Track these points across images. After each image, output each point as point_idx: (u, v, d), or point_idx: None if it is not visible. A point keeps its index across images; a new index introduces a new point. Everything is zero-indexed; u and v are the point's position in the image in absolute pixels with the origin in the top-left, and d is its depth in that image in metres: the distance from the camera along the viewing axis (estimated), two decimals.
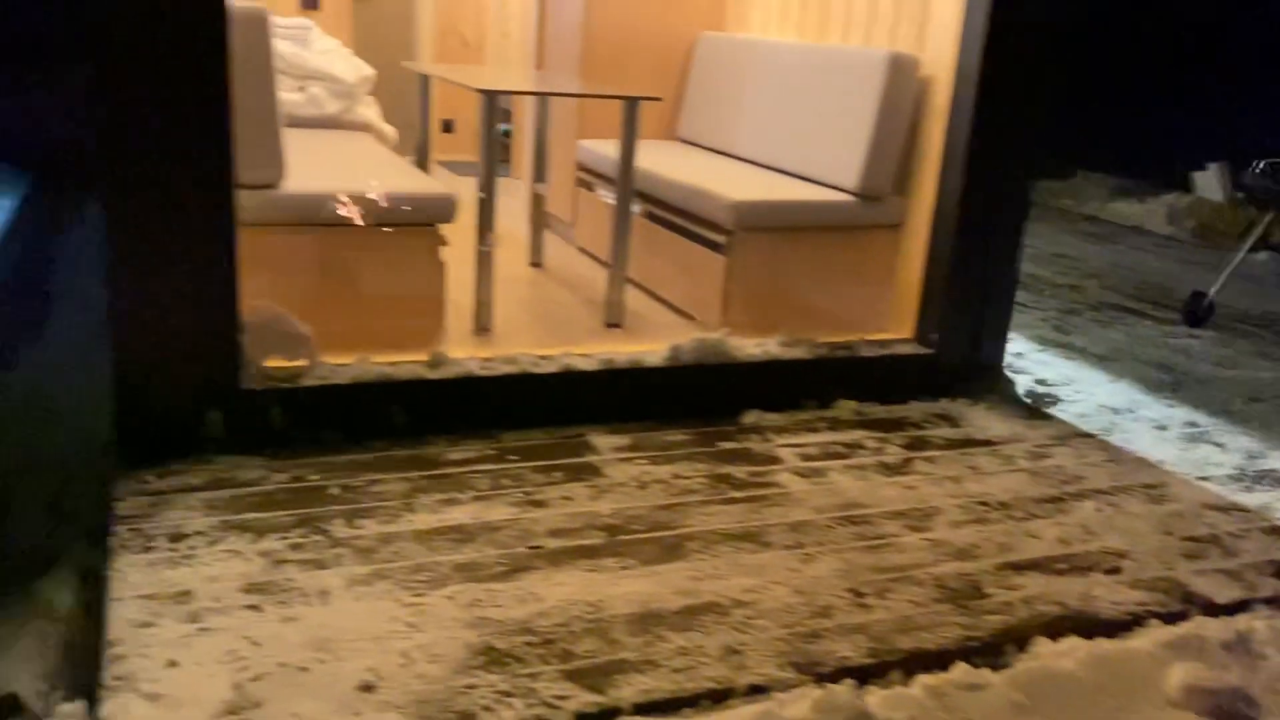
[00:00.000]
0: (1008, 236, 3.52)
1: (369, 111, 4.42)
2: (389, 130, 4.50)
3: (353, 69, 4.29)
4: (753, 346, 3.29)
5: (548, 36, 5.08)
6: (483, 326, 3.48)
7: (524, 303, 3.87)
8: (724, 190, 3.55)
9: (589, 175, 4.66)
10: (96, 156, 2.39)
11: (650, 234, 4.00)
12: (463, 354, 3.01)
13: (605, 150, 4.41)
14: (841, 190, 3.64)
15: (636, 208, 4.19)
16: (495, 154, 3.38)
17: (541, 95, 4.12)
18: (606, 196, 4.45)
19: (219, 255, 2.55)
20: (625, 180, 3.58)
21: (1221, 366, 4.23)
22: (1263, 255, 5.10)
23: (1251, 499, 2.93)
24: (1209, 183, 7.39)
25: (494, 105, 3.31)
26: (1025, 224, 3.56)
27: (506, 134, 6.82)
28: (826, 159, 3.71)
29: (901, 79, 3.50)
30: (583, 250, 4.76)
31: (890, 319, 3.69)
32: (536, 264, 4.46)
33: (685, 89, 4.80)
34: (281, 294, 2.85)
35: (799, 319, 3.57)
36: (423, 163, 4.25)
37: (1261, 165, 4.65)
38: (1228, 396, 3.85)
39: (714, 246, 3.62)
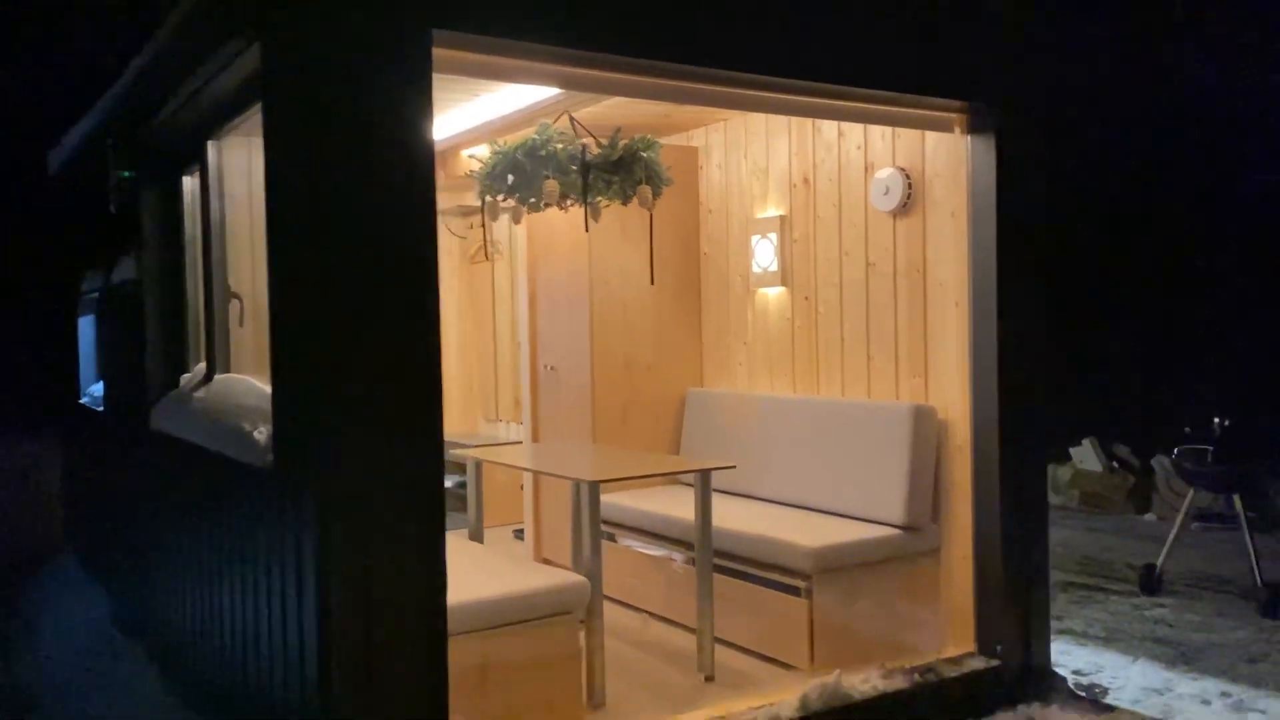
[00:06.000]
0: (1038, 550, 4.03)
1: None
2: None
3: None
4: (861, 683, 3.56)
5: (542, 406, 5.51)
6: (598, 701, 3.60)
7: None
8: (798, 538, 3.93)
9: (610, 526, 4.95)
10: None
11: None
12: None
13: (633, 503, 4.76)
14: (887, 525, 4.09)
15: (679, 556, 4.50)
16: (597, 540, 3.65)
17: (635, 479, 4.37)
18: (640, 547, 4.75)
19: (436, 673, 2.68)
20: (705, 539, 3.90)
21: (1203, 632, 4.78)
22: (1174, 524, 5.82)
23: None
24: (1086, 455, 8.40)
25: (597, 494, 3.63)
26: (1047, 532, 4.10)
27: (462, 486, 7.07)
28: (868, 498, 4.18)
29: (924, 425, 4.08)
30: (610, 599, 4.95)
31: (945, 634, 4.06)
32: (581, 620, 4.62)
33: (681, 437, 5.28)
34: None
35: (870, 647, 3.88)
36: (477, 537, 4.44)
37: (1176, 452, 5.47)
38: (1230, 662, 4.35)
39: (791, 590, 3.94)
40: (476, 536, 4.44)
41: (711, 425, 5.12)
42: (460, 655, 3.07)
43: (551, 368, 5.42)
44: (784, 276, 4.89)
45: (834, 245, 4.64)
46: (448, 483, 7.07)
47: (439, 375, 2.70)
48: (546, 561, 5.36)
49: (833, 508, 4.36)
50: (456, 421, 7.56)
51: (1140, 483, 8.00)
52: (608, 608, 4.83)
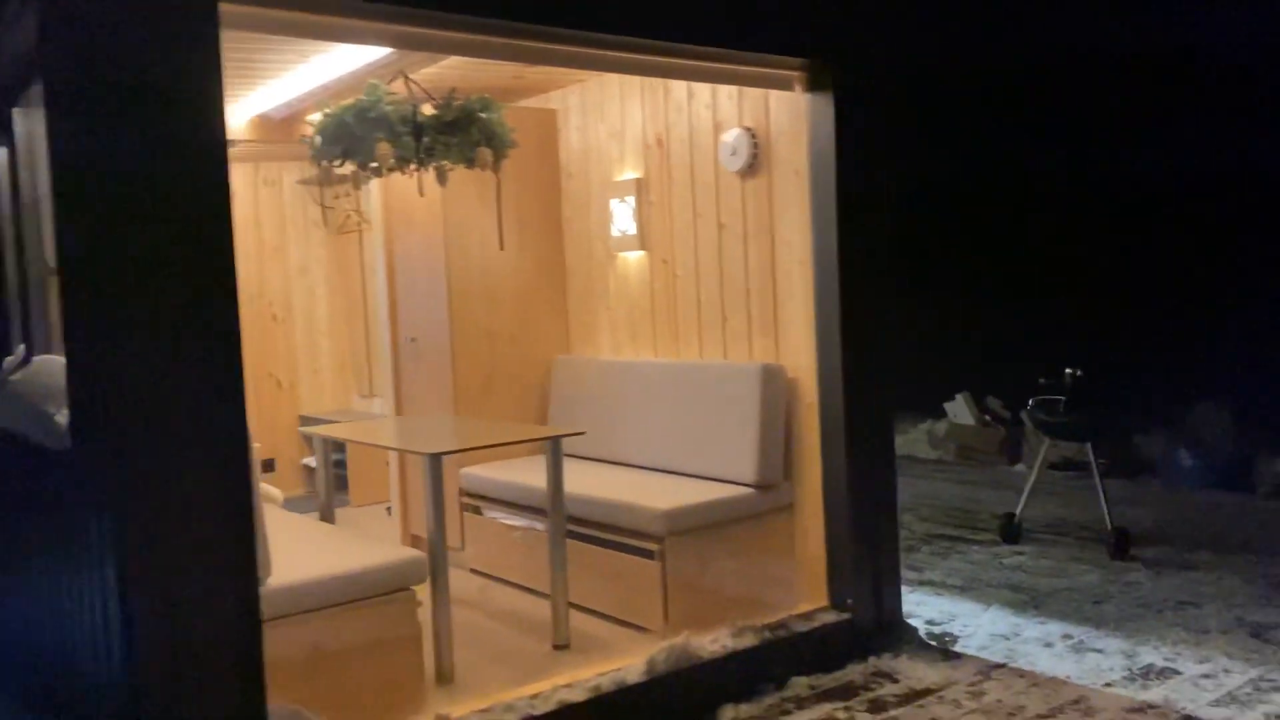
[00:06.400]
0: (887, 503, 4.09)
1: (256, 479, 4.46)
2: (276, 493, 4.54)
3: None
4: (710, 643, 3.57)
5: (405, 380, 5.38)
6: (446, 675, 3.54)
7: (460, 640, 3.92)
8: (650, 501, 3.91)
9: (475, 499, 4.87)
10: None
11: (569, 548, 4.23)
12: (455, 710, 3.08)
13: (497, 475, 4.69)
14: (740, 484, 4.10)
15: (540, 525, 4.45)
16: (440, 514, 3.58)
17: (484, 448, 4.26)
18: (504, 518, 4.68)
19: (249, 658, 2.58)
20: (558, 507, 3.86)
21: (1054, 577, 4.93)
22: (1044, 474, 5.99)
23: (1153, 695, 3.47)
24: (959, 409, 8.60)
25: (439, 467, 3.55)
26: (895, 487, 4.16)
27: (338, 465, 6.91)
28: (722, 458, 4.18)
29: (774, 384, 4.09)
30: (475, 571, 4.89)
31: (801, 589, 4.10)
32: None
33: (549, 406, 5.21)
34: (281, 684, 2.86)
35: (726, 606, 3.89)
36: (328, 518, 4.32)
37: (1031, 403, 5.61)
38: (1077, 604, 4.50)
39: (645, 554, 3.92)
40: (327, 515, 4.31)
41: (578, 392, 5.07)
42: (288, 637, 2.99)
43: (413, 339, 5.29)
44: (642, 240, 4.85)
45: (688, 207, 4.61)
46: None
47: (239, 347, 2.57)
48: (415, 538, 5.26)
49: (691, 469, 4.36)
50: (329, 399, 7.38)
51: (1011, 434, 8.23)
52: (472, 580, 4.79)
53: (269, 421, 7.12)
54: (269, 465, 7.14)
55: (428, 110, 3.81)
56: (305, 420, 7.01)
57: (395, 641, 3.21)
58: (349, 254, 7.24)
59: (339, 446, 6.72)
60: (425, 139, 3.72)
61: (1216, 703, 3.39)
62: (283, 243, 7.26)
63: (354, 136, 3.68)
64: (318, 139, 3.69)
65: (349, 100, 3.74)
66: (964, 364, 8.71)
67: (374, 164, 3.95)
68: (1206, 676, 3.63)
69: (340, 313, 7.38)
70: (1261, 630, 4.08)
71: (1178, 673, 3.67)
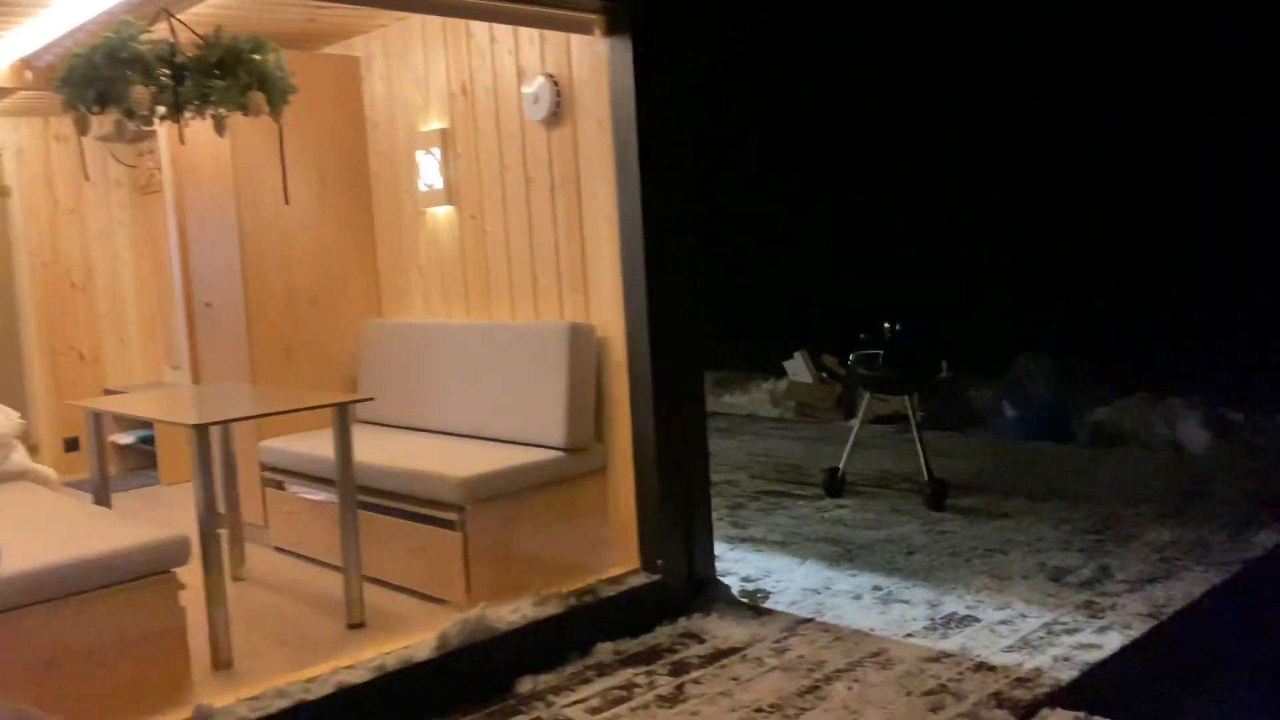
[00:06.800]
0: (697, 461, 4.01)
1: (22, 458, 4.09)
2: (48, 472, 4.18)
3: (3, 419, 3.99)
4: (510, 613, 3.42)
5: (202, 347, 5.02)
6: (223, 662, 3.29)
7: (250, 623, 3.69)
8: (448, 469, 3.72)
9: (277, 474, 4.59)
10: None
11: (368, 522, 4.01)
12: (221, 700, 2.85)
13: (296, 447, 4.41)
14: (550, 448, 3.95)
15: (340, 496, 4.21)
16: (209, 489, 3.31)
17: (257, 418, 4.04)
18: (305, 493, 4.42)
19: None
20: (347, 477, 3.63)
21: (872, 529, 4.98)
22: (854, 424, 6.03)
23: (950, 644, 3.49)
24: (797, 367, 8.68)
25: (205, 439, 3.28)
26: (706, 446, 4.08)
27: (147, 441, 6.47)
28: (530, 422, 4.02)
29: (582, 344, 3.94)
30: (280, 549, 4.62)
31: (615, 553, 4.00)
32: (239, 578, 4.27)
33: (359, 373, 4.94)
34: (15, 684, 2.58)
35: (536, 573, 3.76)
36: (103, 499, 3.98)
37: (852, 358, 5.64)
38: (890, 555, 4.54)
39: (446, 524, 3.74)
40: (102, 496, 3.96)
41: (389, 358, 4.82)
42: (23, 630, 2.71)
43: (208, 304, 4.93)
44: (450, 195, 4.62)
45: (495, 159, 4.40)
46: (128, 439, 6.44)
47: None
48: (219, 516, 4.93)
49: (502, 434, 4.19)
50: (138, 371, 6.91)
51: (846, 390, 8.34)
52: (273, 559, 4.52)
53: (71, 396, 6.59)
54: (72, 444, 6.64)
55: (191, 51, 3.48)
56: (110, 394, 6.54)
57: (153, 629, 2.94)
58: (155, 215, 6.74)
59: (147, 424, 6.30)
60: (187, 82, 3.39)
61: (1010, 648, 3.44)
62: (80, 204, 6.72)
63: (105, 79, 3.32)
64: (62, 82, 3.32)
65: (97, 38, 3.38)
66: (803, 322, 8.80)
67: (143, 112, 3.61)
68: (1004, 623, 3.68)
69: (148, 278, 6.90)
70: (1060, 574, 4.19)
71: (977, 620, 3.72)
